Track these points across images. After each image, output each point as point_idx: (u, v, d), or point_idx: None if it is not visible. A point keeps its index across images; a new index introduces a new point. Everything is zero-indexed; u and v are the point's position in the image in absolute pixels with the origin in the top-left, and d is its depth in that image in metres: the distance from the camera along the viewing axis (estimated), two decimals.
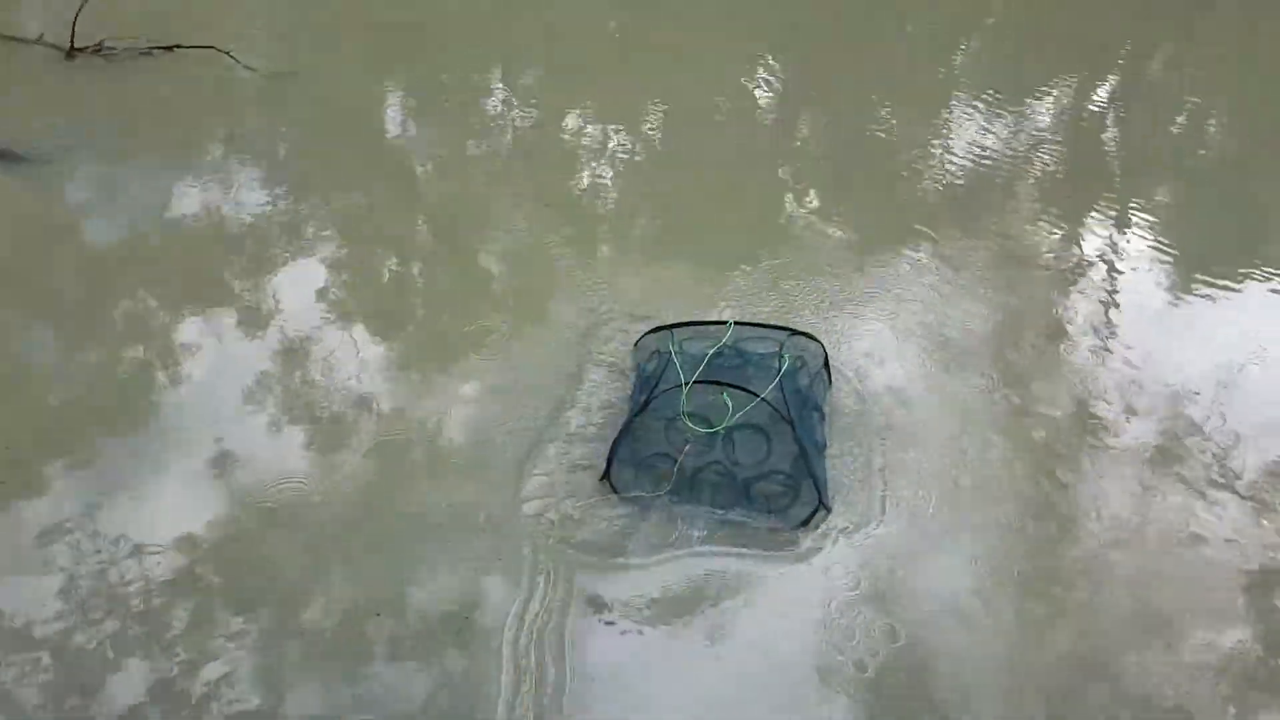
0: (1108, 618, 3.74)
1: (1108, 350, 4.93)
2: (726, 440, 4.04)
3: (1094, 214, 5.87)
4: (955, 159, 6.25)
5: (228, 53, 6.56)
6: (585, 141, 6.42)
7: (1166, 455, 4.34)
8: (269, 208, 5.72)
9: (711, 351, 4.18)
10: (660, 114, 6.65)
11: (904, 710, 3.45)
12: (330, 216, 5.67)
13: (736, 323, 4.38)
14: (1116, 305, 5.24)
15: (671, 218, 5.82)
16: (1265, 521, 4.09)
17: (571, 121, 6.61)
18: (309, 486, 4.15)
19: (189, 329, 4.91)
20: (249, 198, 5.78)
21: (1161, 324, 5.15)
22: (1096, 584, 3.84)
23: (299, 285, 5.21)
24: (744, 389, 3.98)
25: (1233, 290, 5.26)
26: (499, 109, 6.69)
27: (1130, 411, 4.54)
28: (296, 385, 4.63)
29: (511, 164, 6.23)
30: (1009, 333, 4.96)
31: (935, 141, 6.43)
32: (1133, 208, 5.88)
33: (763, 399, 3.92)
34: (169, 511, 4.06)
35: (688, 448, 3.98)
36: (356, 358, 4.77)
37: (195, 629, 3.68)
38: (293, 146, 6.26)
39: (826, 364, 4.41)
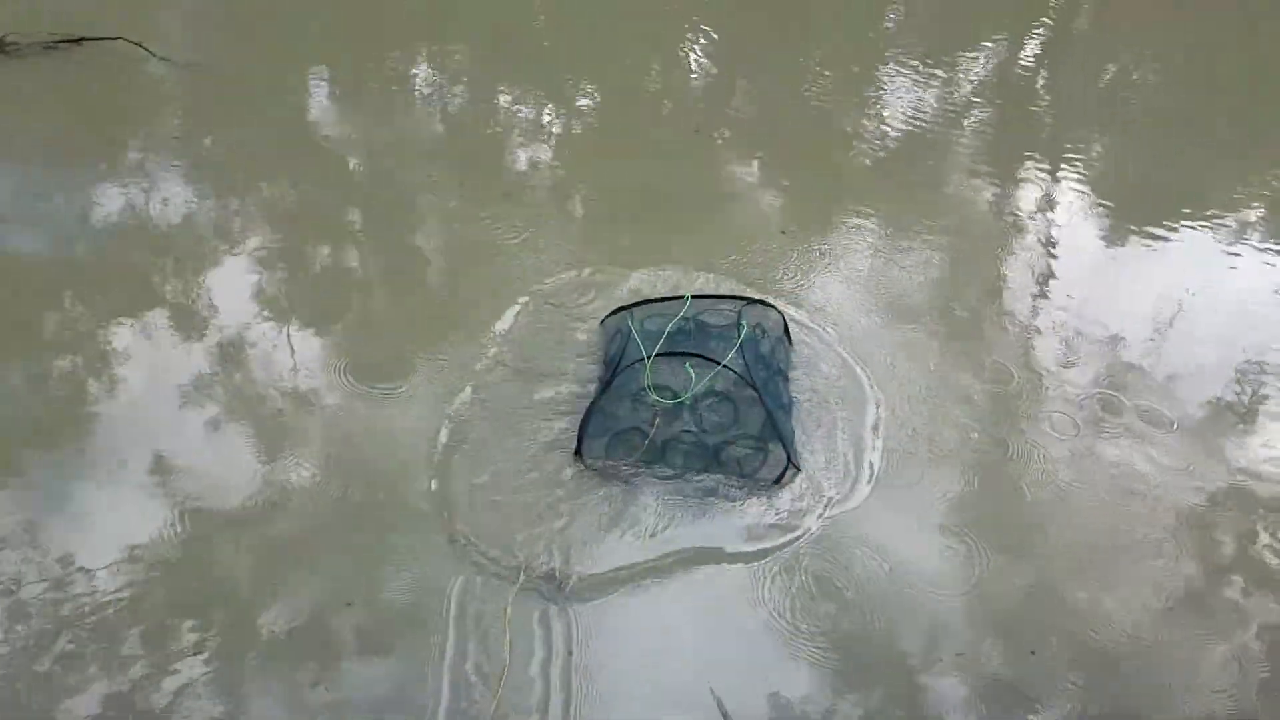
0: (1060, 558, 4.01)
1: (1048, 300, 5.21)
2: (694, 410, 4.19)
3: (1028, 170, 6.15)
4: (890, 121, 6.46)
5: (138, 44, 6.40)
6: (518, 121, 6.45)
7: (1107, 400, 4.63)
8: (196, 204, 5.63)
9: (671, 326, 4.31)
10: (593, 89, 6.72)
11: (872, 660, 3.68)
12: (260, 211, 5.63)
13: (693, 296, 4.51)
14: (1054, 257, 5.52)
15: (610, 192, 5.90)
16: (1203, 459, 4.39)
17: (502, 101, 6.64)
18: (255, 489, 4.16)
19: (122, 336, 4.84)
20: (175, 195, 5.68)
21: (1098, 273, 5.45)
22: (1047, 527, 4.11)
23: (233, 284, 5.17)
24: (705, 357, 4.13)
25: (1165, 239, 5.59)
26: (427, 92, 6.67)
27: (1071, 359, 4.83)
28: (235, 387, 4.62)
29: (443, 147, 6.24)
30: (951, 289, 5.20)
31: (870, 104, 6.64)
32: (1065, 162, 6.17)
33: (725, 366, 4.07)
34: (112, 525, 4.03)
35: (657, 420, 4.12)
36: (294, 354, 4.78)
37: (150, 643, 3.68)
38: (217, 139, 6.15)
39: (786, 329, 4.57)
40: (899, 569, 3.90)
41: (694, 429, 4.16)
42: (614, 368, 4.21)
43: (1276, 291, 5.31)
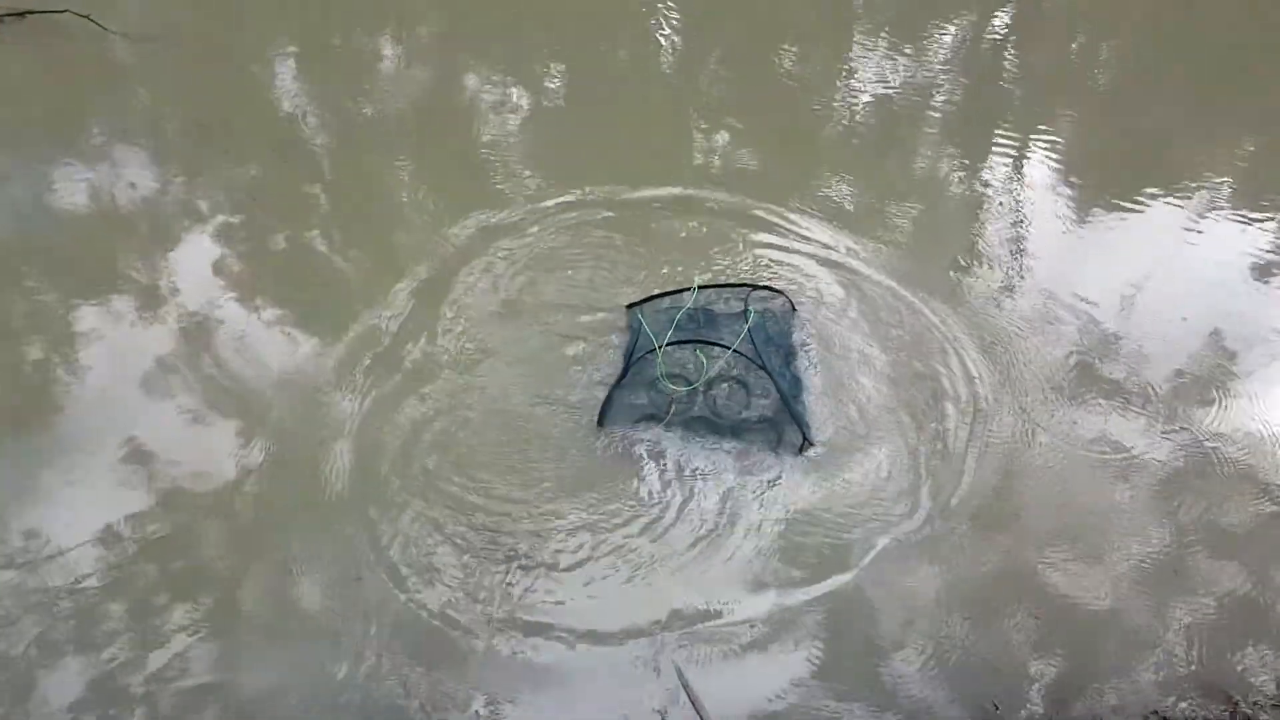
0: (1031, 530, 4.50)
1: (1019, 274, 5.64)
2: (708, 395, 4.49)
3: (997, 144, 6.54)
4: (859, 95, 6.77)
5: (87, 16, 6.35)
6: (484, 99, 6.58)
7: (1079, 372, 5.11)
8: (158, 185, 5.77)
9: (681, 315, 4.61)
10: (561, 65, 6.85)
11: (855, 631, 4.17)
12: (222, 191, 5.78)
13: (701, 286, 4.80)
14: (1024, 230, 5.96)
15: (579, 169, 6.05)
16: (1169, 429, 4.90)
17: (470, 80, 6.74)
18: (226, 468, 4.48)
19: (88, 319, 5.04)
20: (138, 176, 5.81)
21: (1068, 246, 5.92)
22: (1019, 500, 4.59)
23: (198, 265, 5.37)
24: (715, 343, 4.45)
25: (1132, 212, 6.06)
26: (391, 67, 6.74)
27: (1042, 332, 5.28)
28: (203, 367, 4.88)
29: (406, 124, 6.37)
30: (922, 264, 5.57)
31: (839, 79, 6.93)
32: (1034, 137, 6.57)
33: (735, 350, 4.41)
34: (86, 508, 4.33)
35: (672, 406, 4.41)
36: (261, 334, 5.04)
37: (128, 624, 4.04)
38: (176, 116, 6.23)
39: (793, 311, 4.89)
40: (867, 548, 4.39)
41: (708, 414, 4.48)
42: (628, 358, 4.48)
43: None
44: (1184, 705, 4.09)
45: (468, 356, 4.91)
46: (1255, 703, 4.07)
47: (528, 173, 5.97)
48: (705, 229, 5.55)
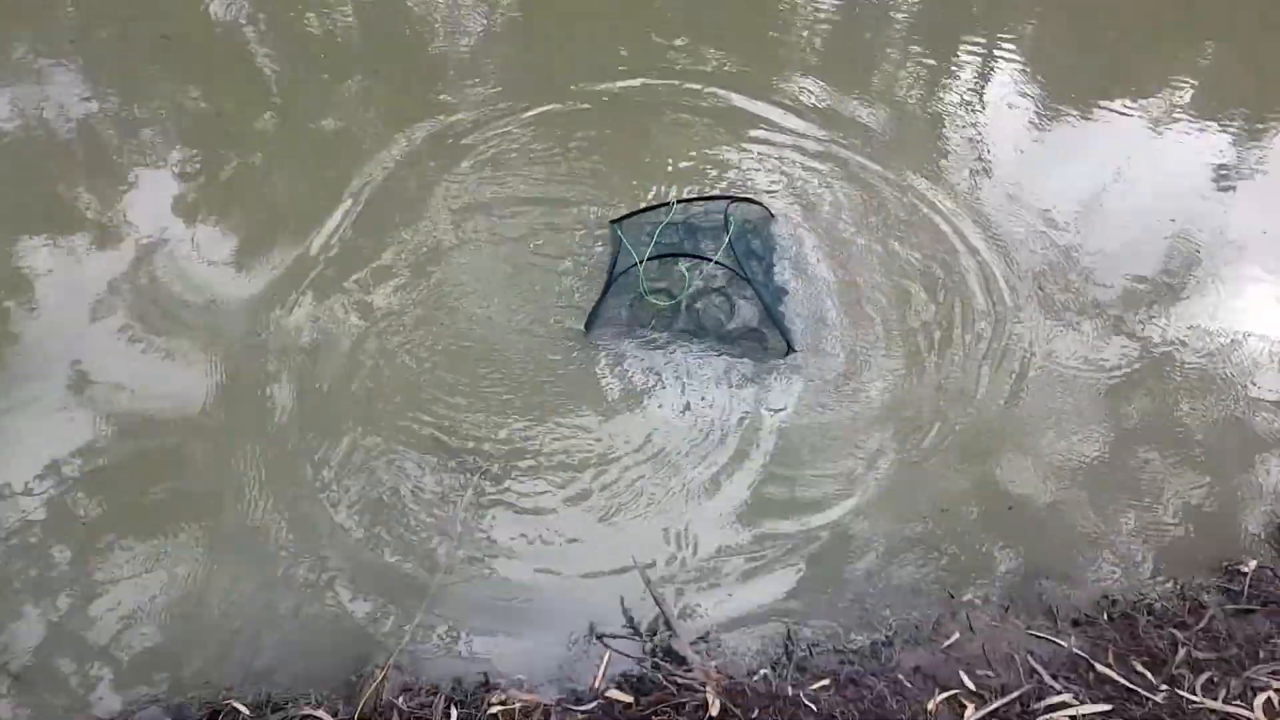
0: (982, 434, 4.68)
1: (980, 180, 5.76)
2: (691, 309, 4.60)
3: (961, 52, 6.63)
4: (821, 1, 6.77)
5: None
6: (431, 7, 6.43)
7: (1037, 277, 5.27)
8: (95, 107, 5.61)
9: (659, 232, 4.66)
10: None
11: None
12: (163, 112, 5.64)
13: (679, 200, 4.86)
14: (987, 139, 6.05)
15: (536, 69, 6.02)
16: (1122, 336, 5.12)
17: None
18: (173, 400, 4.48)
19: (27, 250, 4.94)
20: (71, 98, 5.62)
21: (1030, 153, 6.05)
22: (972, 404, 4.76)
23: (139, 190, 5.27)
24: (697, 255, 4.53)
25: (1094, 120, 6.22)
26: None
27: (1003, 238, 5.42)
28: (148, 296, 4.83)
29: (352, 37, 6.23)
30: (885, 172, 5.64)
31: None
32: (998, 44, 6.67)
33: (716, 261, 4.48)
34: (33, 445, 4.31)
35: (653, 320, 4.52)
36: (208, 261, 4.98)
37: (83, 562, 4.06)
38: (111, 33, 5.96)
39: (772, 218, 4.99)
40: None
41: (692, 326, 4.59)
42: (609, 275, 4.55)
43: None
44: (1132, 588, 4.33)
45: (424, 261, 4.93)
46: (1199, 585, 4.35)
47: (484, 72, 5.93)
48: (675, 123, 5.57)
